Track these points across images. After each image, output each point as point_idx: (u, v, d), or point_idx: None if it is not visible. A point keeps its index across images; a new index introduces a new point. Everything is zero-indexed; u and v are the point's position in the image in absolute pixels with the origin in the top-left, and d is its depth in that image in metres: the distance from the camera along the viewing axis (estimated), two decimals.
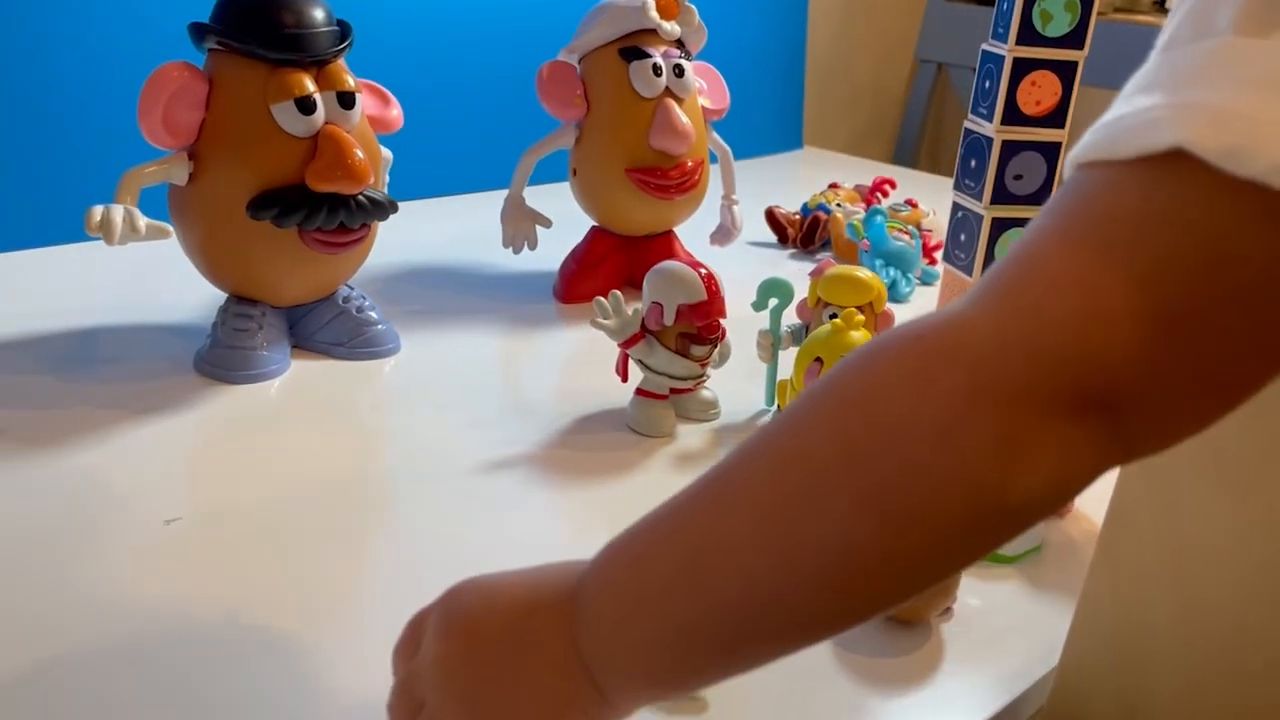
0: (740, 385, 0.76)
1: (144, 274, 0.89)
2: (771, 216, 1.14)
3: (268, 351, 0.74)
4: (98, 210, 0.64)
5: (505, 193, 0.93)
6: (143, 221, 0.65)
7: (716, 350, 0.71)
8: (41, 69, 0.93)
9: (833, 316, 0.70)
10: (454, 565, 0.52)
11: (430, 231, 1.07)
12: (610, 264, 0.95)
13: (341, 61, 0.72)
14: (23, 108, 0.93)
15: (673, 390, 0.71)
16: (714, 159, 0.98)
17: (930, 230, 1.08)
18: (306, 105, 0.69)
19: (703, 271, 0.69)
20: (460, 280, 0.97)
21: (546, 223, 0.94)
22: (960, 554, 0.33)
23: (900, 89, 1.86)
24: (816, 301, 0.71)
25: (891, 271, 1.00)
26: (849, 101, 1.82)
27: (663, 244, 0.96)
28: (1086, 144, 0.31)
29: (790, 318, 0.74)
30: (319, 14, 0.70)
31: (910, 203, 1.12)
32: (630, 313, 0.69)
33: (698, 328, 0.69)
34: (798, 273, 1.07)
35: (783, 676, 0.49)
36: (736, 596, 0.34)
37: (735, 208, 1.01)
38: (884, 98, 1.85)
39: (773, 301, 0.72)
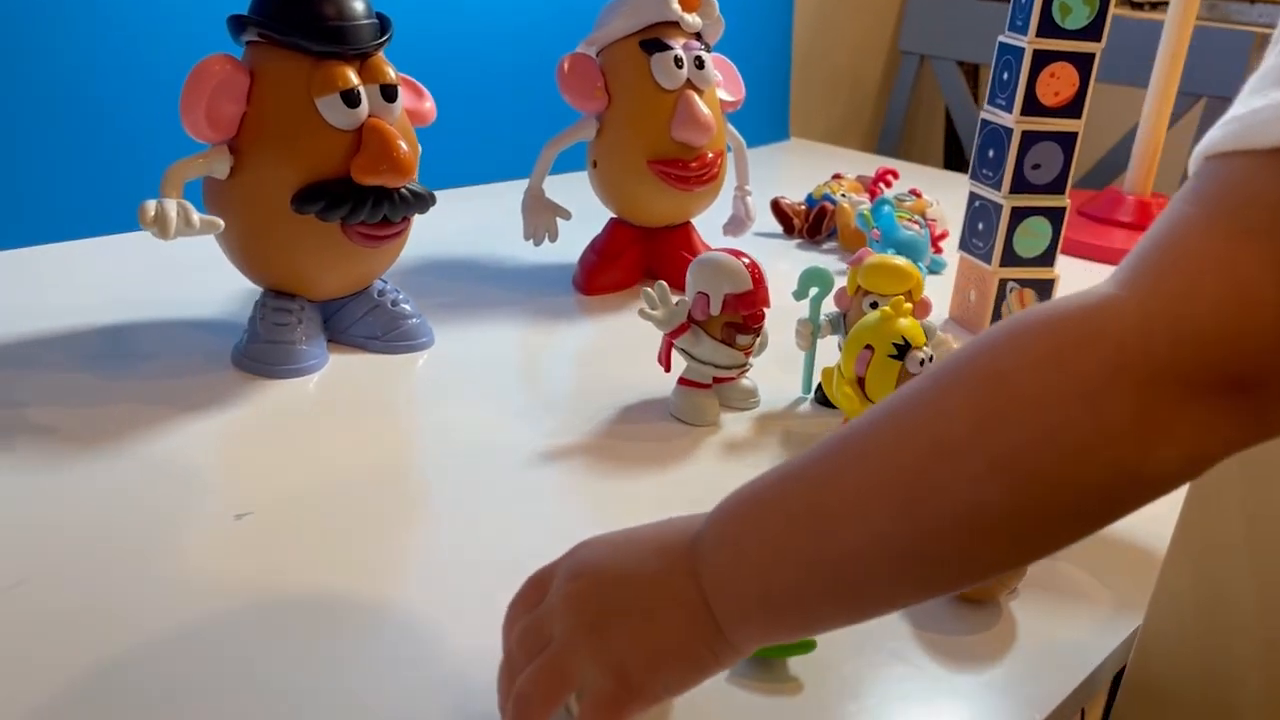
0: (776, 374, 0.77)
1: (172, 268, 0.88)
2: (777, 207, 1.15)
3: (307, 346, 0.74)
4: (152, 205, 0.63)
5: (524, 183, 0.93)
6: (196, 215, 0.64)
7: (758, 339, 0.72)
8: (80, 61, 0.92)
9: (873, 305, 0.71)
10: (506, 555, 0.54)
11: (450, 223, 1.06)
12: (630, 255, 0.95)
13: (382, 54, 0.72)
14: (61, 101, 0.92)
15: (715, 379, 0.72)
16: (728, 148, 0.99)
17: (934, 220, 1.10)
18: (352, 98, 0.68)
19: (747, 261, 0.70)
20: (482, 272, 0.97)
21: (566, 215, 0.94)
22: (1085, 521, 0.34)
23: (880, 80, 1.88)
24: (856, 290, 0.73)
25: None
26: (829, 92, 1.83)
27: (681, 235, 0.97)
28: (1218, 137, 0.33)
29: (829, 307, 0.75)
30: (359, 6, 0.70)
31: (914, 192, 1.13)
32: (676, 303, 0.70)
33: (743, 317, 0.70)
34: (806, 263, 1.08)
35: (860, 653, 0.50)
36: (855, 544, 0.35)
37: (749, 198, 1.02)
38: (863, 89, 1.87)
39: (813, 290, 0.73)
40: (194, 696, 0.45)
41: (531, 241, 0.94)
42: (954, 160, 1.92)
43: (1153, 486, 0.33)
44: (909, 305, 0.66)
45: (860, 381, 0.65)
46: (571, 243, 0.96)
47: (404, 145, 0.69)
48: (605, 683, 0.38)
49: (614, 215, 0.96)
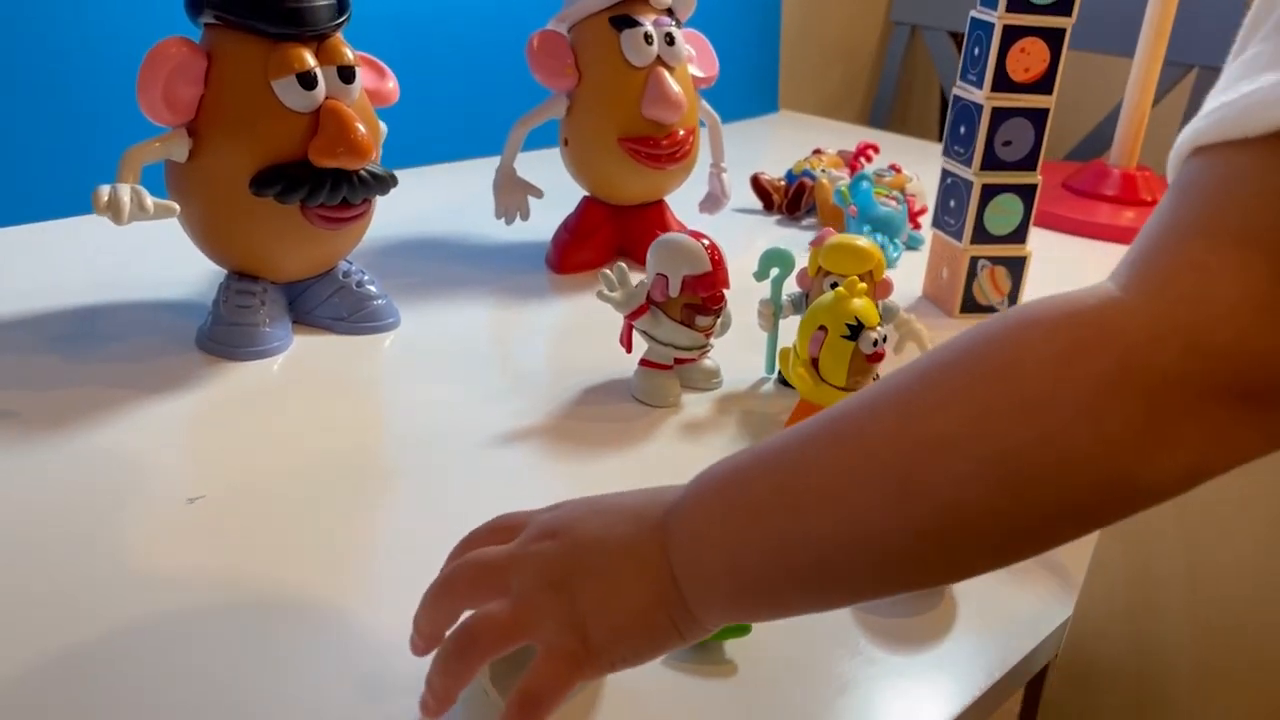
0: (740, 354, 0.77)
1: (138, 250, 0.88)
2: (757, 183, 1.15)
3: (270, 328, 0.74)
4: (105, 190, 0.63)
5: (497, 160, 0.93)
6: (150, 200, 0.65)
7: (719, 320, 0.72)
8: (40, 44, 0.92)
9: (834, 285, 0.71)
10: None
11: (421, 201, 1.07)
12: (602, 234, 0.95)
13: (341, 35, 0.72)
14: (20, 82, 0.92)
15: (677, 360, 0.72)
16: (703, 125, 0.98)
17: (914, 195, 1.10)
18: (308, 80, 0.68)
19: (706, 243, 0.70)
20: (453, 251, 0.97)
21: (538, 193, 0.94)
22: (1077, 525, 0.33)
23: (873, 52, 1.86)
24: (818, 270, 0.73)
25: (879, 237, 1.01)
26: (821, 64, 1.82)
27: (655, 213, 0.96)
28: (1205, 127, 0.32)
29: (791, 287, 0.75)
30: None
31: (894, 167, 1.13)
32: (635, 284, 0.70)
33: (702, 298, 0.70)
34: (783, 239, 1.08)
35: (802, 638, 0.51)
36: (830, 530, 0.35)
37: (724, 176, 1.02)
38: (857, 60, 1.86)
39: (774, 271, 0.73)
40: (141, 682, 0.45)
41: (504, 221, 0.94)
42: None
43: (1151, 496, 0.32)
44: (863, 285, 0.66)
45: (814, 362, 0.65)
46: (545, 221, 0.96)
47: (361, 128, 0.69)
48: (565, 640, 0.38)
49: (586, 193, 0.96)
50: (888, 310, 0.74)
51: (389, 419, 0.71)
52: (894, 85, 1.77)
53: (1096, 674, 0.49)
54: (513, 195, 0.94)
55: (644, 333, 0.71)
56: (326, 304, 0.78)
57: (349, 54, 0.71)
